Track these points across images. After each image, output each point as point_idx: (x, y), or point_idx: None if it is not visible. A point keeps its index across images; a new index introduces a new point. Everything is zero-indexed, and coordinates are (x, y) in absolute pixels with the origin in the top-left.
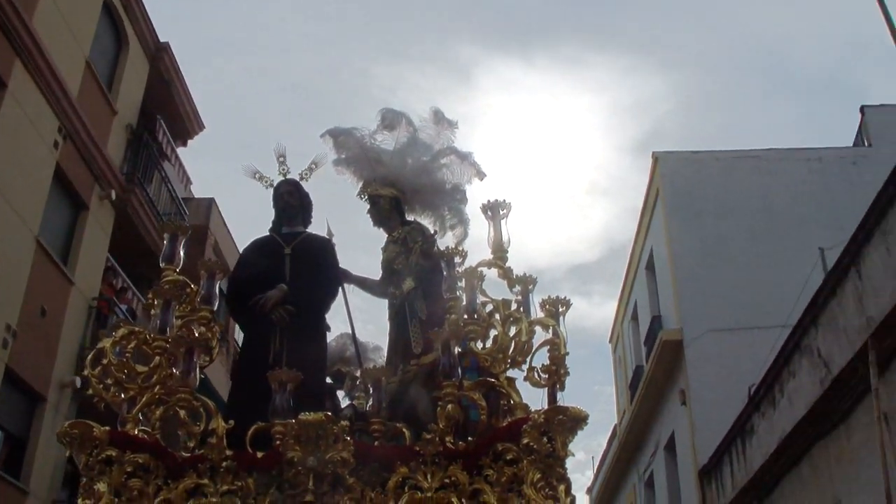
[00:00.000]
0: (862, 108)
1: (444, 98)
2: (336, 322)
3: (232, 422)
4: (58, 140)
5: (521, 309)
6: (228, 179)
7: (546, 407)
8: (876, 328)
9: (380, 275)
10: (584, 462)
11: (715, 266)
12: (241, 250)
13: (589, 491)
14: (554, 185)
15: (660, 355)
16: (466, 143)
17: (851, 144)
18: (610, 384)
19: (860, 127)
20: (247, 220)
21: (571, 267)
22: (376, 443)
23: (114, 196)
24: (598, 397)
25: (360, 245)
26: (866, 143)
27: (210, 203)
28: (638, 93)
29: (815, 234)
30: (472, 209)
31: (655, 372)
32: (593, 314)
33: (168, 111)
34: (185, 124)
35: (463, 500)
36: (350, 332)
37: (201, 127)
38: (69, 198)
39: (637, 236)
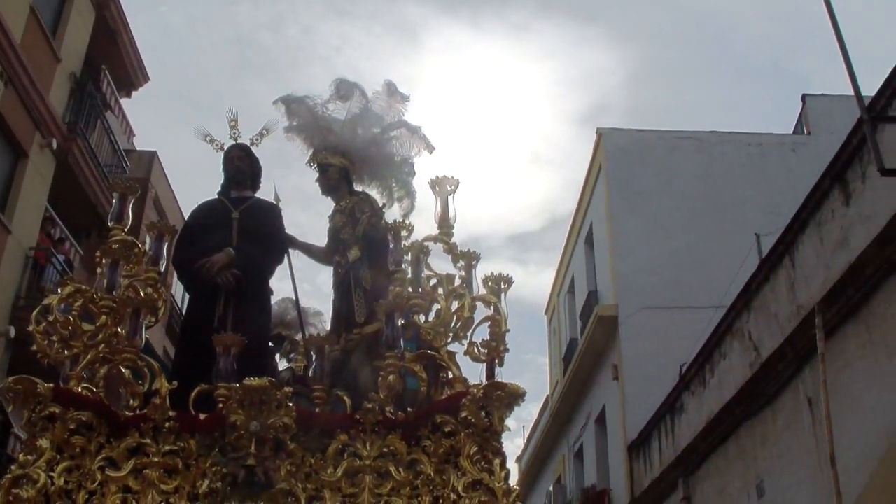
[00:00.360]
0: (803, 97)
1: (389, 58)
2: (273, 282)
3: (175, 383)
4: None
5: (465, 284)
6: (170, 131)
7: (485, 382)
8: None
9: (325, 241)
10: (514, 430)
11: (653, 244)
12: (181, 203)
13: (518, 460)
14: (497, 153)
15: (594, 330)
16: (410, 104)
17: (791, 131)
18: (541, 354)
19: (800, 115)
20: (186, 173)
21: (511, 235)
22: (317, 409)
23: (55, 145)
24: (528, 366)
25: (299, 201)
26: (806, 131)
27: (152, 156)
28: (586, 64)
29: (752, 217)
30: (419, 180)
31: (589, 346)
32: (529, 283)
33: (113, 61)
34: (130, 75)
35: (401, 470)
36: (292, 296)
37: (146, 79)
38: (9, 145)
39: (578, 210)
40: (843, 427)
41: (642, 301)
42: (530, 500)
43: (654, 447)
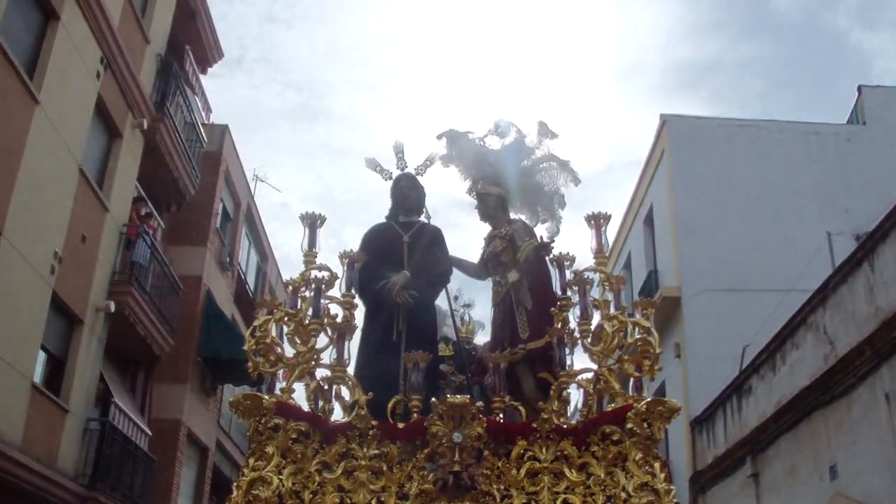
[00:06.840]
0: (859, 88)
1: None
2: None
3: (371, 394)
4: (100, 70)
5: (623, 311)
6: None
7: (647, 397)
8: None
9: (477, 258)
10: None
11: (714, 228)
12: (247, 175)
13: None
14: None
15: (658, 309)
16: (559, 141)
17: (846, 122)
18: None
19: (856, 105)
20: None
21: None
22: (500, 418)
23: (145, 125)
24: None
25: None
26: (861, 122)
27: (224, 130)
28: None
29: (808, 204)
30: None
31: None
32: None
33: (193, 40)
34: (207, 53)
35: (573, 471)
36: (446, 309)
37: (221, 55)
38: (106, 127)
39: (637, 190)
40: None
41: (704, 283)
42: None
43: (720, 425)
